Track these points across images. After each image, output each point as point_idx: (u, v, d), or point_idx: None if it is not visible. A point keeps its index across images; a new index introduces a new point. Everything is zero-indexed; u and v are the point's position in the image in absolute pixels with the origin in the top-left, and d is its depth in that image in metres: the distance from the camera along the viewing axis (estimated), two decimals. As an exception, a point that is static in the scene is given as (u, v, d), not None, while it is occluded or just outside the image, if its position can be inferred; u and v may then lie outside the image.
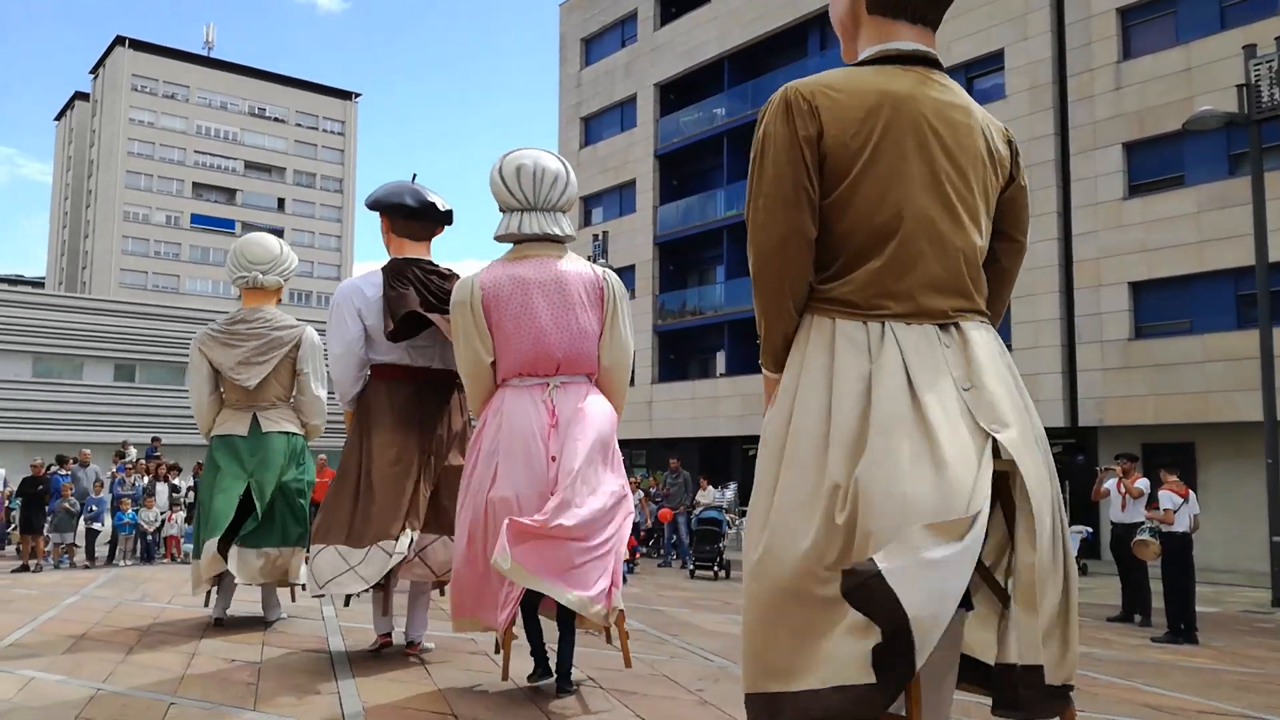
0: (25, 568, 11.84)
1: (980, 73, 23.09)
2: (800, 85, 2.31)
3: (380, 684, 4.39)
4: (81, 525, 13.19)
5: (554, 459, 4.07)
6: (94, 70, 70.20)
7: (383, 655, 5.03)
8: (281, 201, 69.01)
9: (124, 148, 63.82)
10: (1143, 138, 19.83)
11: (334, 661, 4.85)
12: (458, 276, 5.11)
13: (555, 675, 4.26)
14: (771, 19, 28.19)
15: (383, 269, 5.22)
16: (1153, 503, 9.80)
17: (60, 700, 4.07)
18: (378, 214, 5.47)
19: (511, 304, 4.20)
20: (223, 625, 5.93)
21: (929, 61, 2.41)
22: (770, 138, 2.27)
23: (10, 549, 13.71)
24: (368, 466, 4.89)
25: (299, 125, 70.79)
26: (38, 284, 73.71)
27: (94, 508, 13.09)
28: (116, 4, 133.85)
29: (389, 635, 5.15)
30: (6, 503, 13.23)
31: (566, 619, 4.16)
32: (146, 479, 13.91)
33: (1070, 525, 14.64)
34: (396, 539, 4.69)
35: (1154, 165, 19.86)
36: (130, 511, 12.97)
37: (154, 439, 16.59)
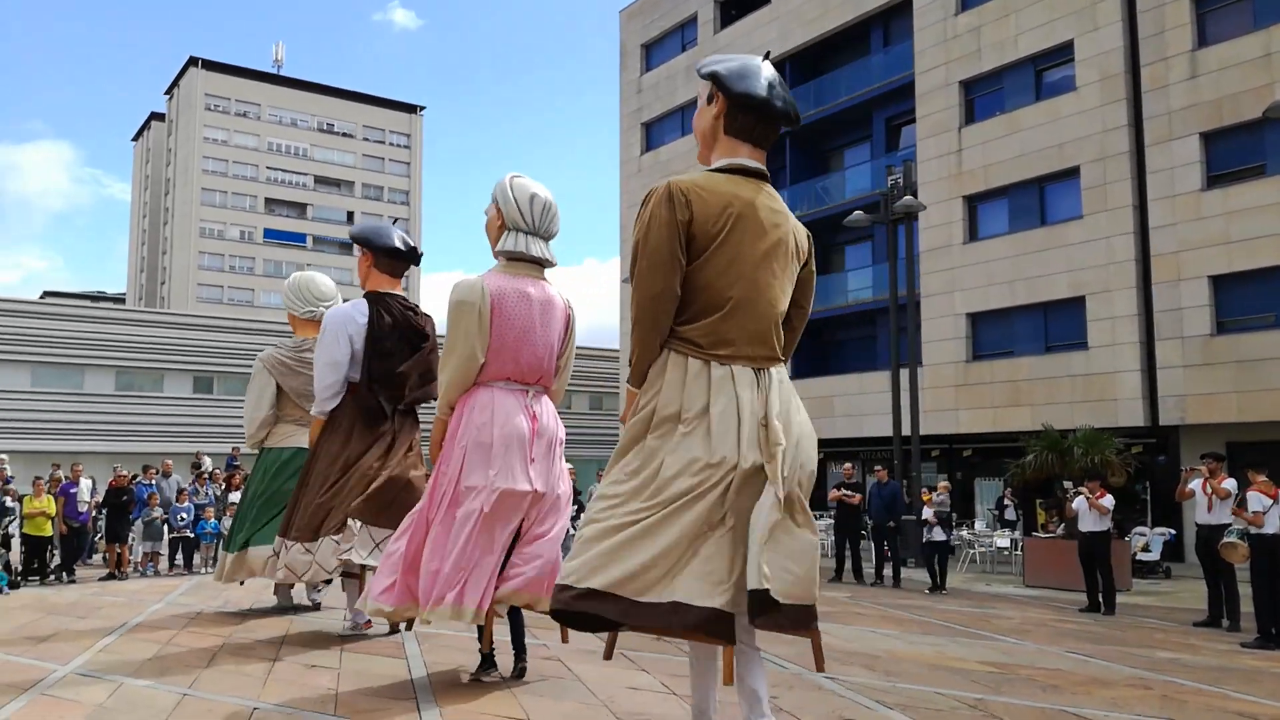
0: (112, 575, 12.21)
1: (1048, 65, 22.62)
2: (678, 182, 3.24)
3: (458, 690, 4.44)
4: (165, 534, 13.58)
5: (533, 460, 4.52)
6: (169, 91, 72.34)
7: (458, 666, 5.08)
8: (350, 215, 70.33)
9: (199, 165, 65.64)
10: (1221, 127, 19.23)
11: (410, 669, 4.91)
12: (425, 313, 6.18)
13: (515, 653, 4.71)
14: (833, 17, 27.96)
15: (369, 300, 6.10)
16: (1240, 503, 9.48)
17: (148, 705, 4.18)
18: (361, 248, 6.29)
19: (518, 316, 4.58)
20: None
21: (762, 175, 3.40)
22: (655, 217, 3.17)
23: (97, 557, 14.15)
24: (324, 468, 5.82)
25: (366, 140, 72.12)
26: (119, 300, 76.18)
27: (183, 516, 13.47)
28: (190, 25, 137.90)
29: (370, 622, 5.99)
30: (94, 512, 13.66)
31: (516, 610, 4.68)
32: (222, 488, 14.26)
33: (1153, 528, 14.39)
34: (341, 531, 5.57)
35: (1233, 155, 19.24)
36: (213, 521, 13.30)
37: (234, 449, 16.98)
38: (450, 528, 4.37)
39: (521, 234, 4.74)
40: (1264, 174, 18.70)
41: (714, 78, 3.39)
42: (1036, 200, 22.50)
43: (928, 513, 13.72)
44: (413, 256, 6.32)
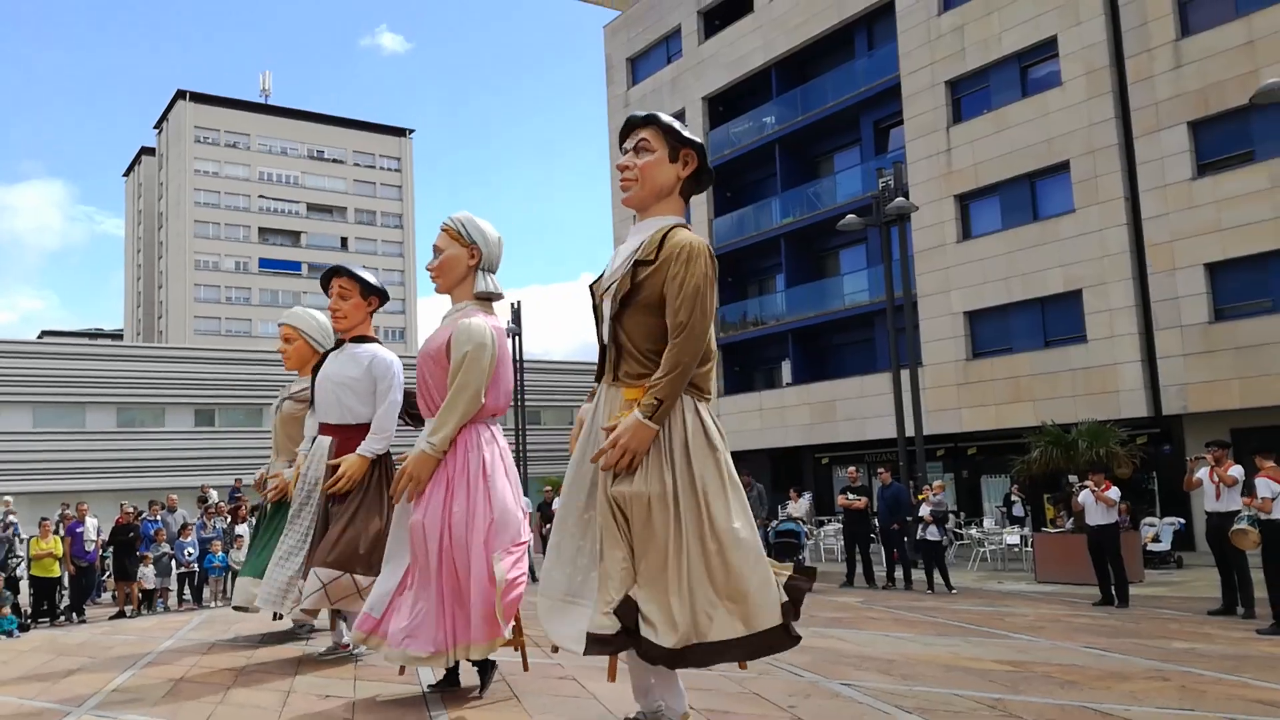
0: (122, 614, 12.18)
1: (1033, 61, 22.72)
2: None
3: (472, 712, 4.41)
4: (173, 569, 13.56)
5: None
6: (158, 125, 72.55)
7: (475, 692, 5.07)
8: (344, 240, 70.47)
9: (191, 198, 65.79)
10: (1208, 115, 19.31)
11: (426, 696, 4.88)
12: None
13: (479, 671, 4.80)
14: (816, 23, 28.09)
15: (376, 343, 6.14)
16: (1248, 490, 9.47)
17: (165, 743, 4.16)
18: (370, 296, 6.16)
19: (504, 353, 4.70)
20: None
21: None
22: (708, 277, 3.47)
23: (106, 596, 14.11)
24: (378, 502, 5.73)
25: (357, 165, 72.32)
26: (116, 336, 76.18)
27: (190, 550, 13.45)
28: (176, 59, 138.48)
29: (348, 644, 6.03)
30: (101, 551, 13.63)
31: None
32: (227, 521, 14.24)
33: (1162, 517, 14.43)
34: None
35: (1222, 142, 19.32)
36: (220, 554, 13.27)
37: (236, 480, 16.96)
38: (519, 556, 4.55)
39: (491, 274, 4.83)
40: (1253, 160, 18.77)
41: (697, 147, 3.66)
42: (1028, 196, 22.56)
43: (924, 511, 13.69)
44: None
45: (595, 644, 3.35)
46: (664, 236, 3.53)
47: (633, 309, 3.53)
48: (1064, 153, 21.58)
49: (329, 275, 6.16)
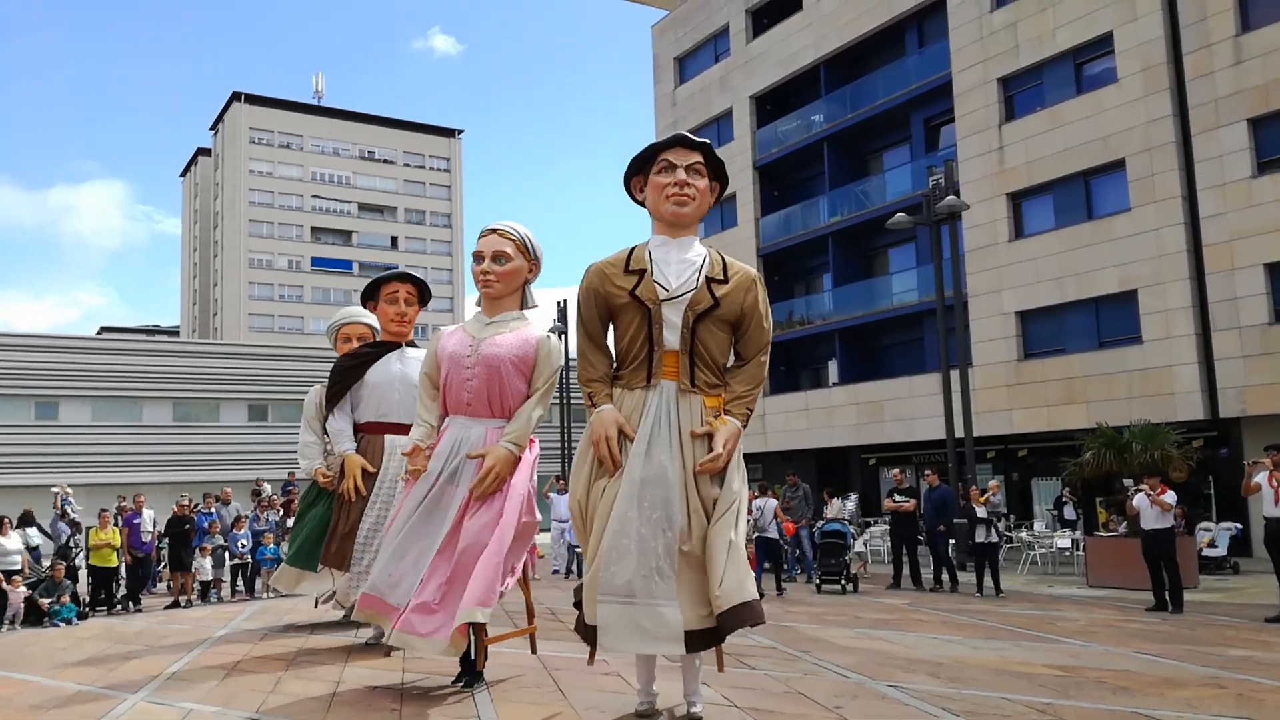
0: (176, 604, 12.44)
1: (1088, 58, 22.33)
2: None
3: (518, 709, 4.45)
4: (226, 560, 13.82)
5: None
6: (213, 126, 73.93)
7: (521, 682, 5.11)
8: (394, 240, 71.25)
9: (245, 198, 66.95)
10: (1269, 112, 18.86)
11: (473, 688, 4.93)
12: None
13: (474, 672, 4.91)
14: (866, 20, 27.85)
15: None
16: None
17: (219, 730, 4.25)
18: (420, 301, 6.29)
19: None
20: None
21: None
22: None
23: (161, 586, 14.42)
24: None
25: (407, 165, 73.07)
26: (173, 332, 77.77)
27: (243, 542, 13.70)
28: (232, 61, 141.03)
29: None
30: (157, 543, 13.93)
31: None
32: (280, 514, 14.48)
33: (1218, 522, 14.16)
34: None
35: (1284, 139, 18.84)
36: (273, 546, 13.50)
37: (290, 474, 17.23)
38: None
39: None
40: (1317, 157, 18.27)
41: (725, 183, 4.13)
42: (1082, 194, 22.18)
43: (981, 512, 13.50)
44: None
45: (698, 640, 3.66)
46: (724, 260, 3.98)
47: (709, 322, 3.82)
48: (1120, 150, 21.18)
49: (395, 278, 6.21)
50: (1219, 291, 19.44)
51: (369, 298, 6.24)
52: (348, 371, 6.13)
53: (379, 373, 6.05)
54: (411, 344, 6.29)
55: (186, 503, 13.77)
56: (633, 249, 3.98)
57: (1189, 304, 19.91)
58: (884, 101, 27.59)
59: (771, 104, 31.88)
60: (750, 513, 15.32)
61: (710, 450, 3.75)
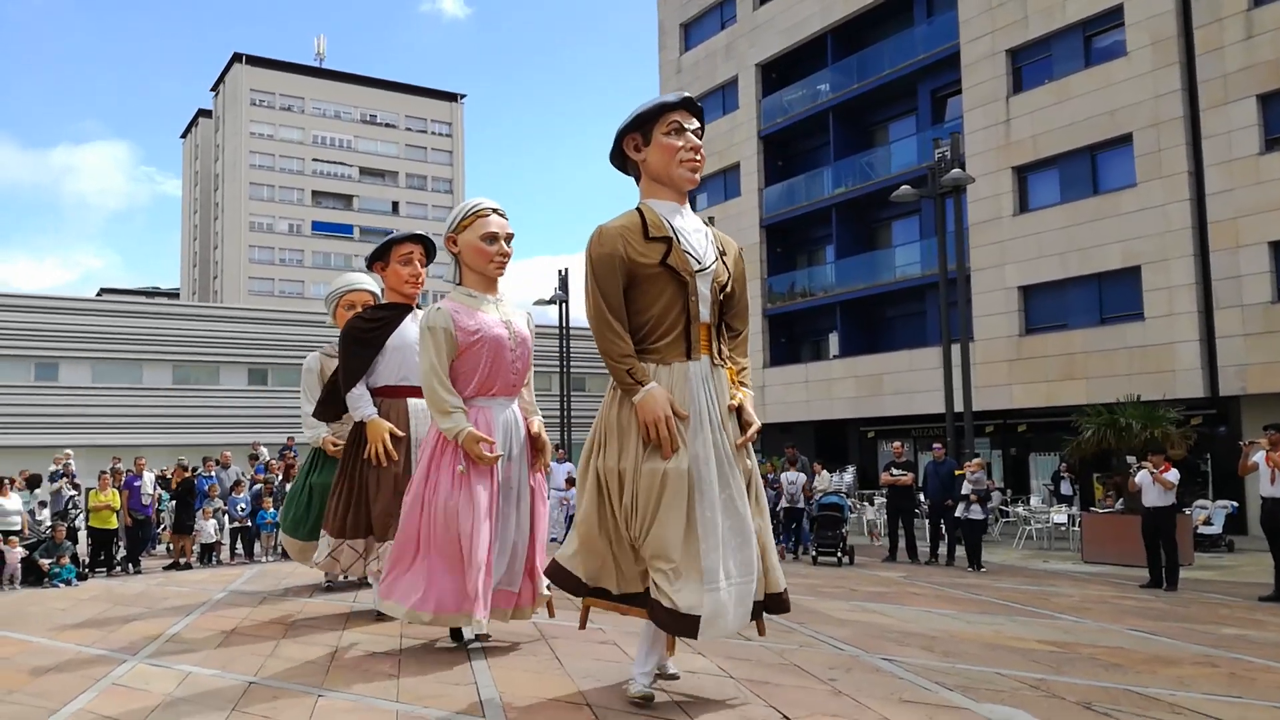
0: (176, 565, 12.51)
1: (1098, 30, 22.11)
2: None
3: (515, 675, 4.48)
4: (226, 524, 13.88)
5: None
6: (214, 87, 73.38)
7: (519, 650, 5.14)
8: (395, 205, 70.96)
9: (246, 160, 66.58)
10: (1279, 88, 18.67)
11: (470, 653, 4.96)
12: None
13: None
14: (875, -11, 27.53)
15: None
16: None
17: (216, 693, 4.28)
18: (425, 252, 6.21)
19: None
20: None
21: None
22: None
23: (160, 548, 14.49)
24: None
25: (409, 129, 72.61)
26: (173, 295, 77.66)
27: (242, 506, 13.76)
28: (234, 21, 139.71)
29: None
30: (158, 505, 13.99)
31: None
32: (280, 478, 14.51)
33: (1215, 500, 14.17)
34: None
35: (1293, 116, 18.69)
36: (272, 510, 13.55)
37: (289, 438, 17.26)
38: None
39: None
40: (1326, 134, 18.14)
41: None
42: (1088, 169, 22.04)
43: (966, 489, 13.51)
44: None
45: (778, 604, 3.88)
46: (718, 232, 4.02)
47: (724, 296, 3.87)
48: (1127, 125, 21.03)
49: (409, 239, 6.13)
50: (1223, 269, 19.38)
51: (378, 258, 6.13)
52: (369, 339, 5.89)
53: (398, 336, 5.92)
54: (418, 306, 6.20)
55: (184, 466, 13.80)
56: (640, 213, 3.80)
57: (1192, 281, 19.85)
58: (891, 72, 27.36)
59: (777, 73, 31.61)
60: (778, 485, 15.40)
61: (743, 422, 3.82)
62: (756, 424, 3.80)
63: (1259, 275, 18.83)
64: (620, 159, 3.99)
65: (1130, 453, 15.99)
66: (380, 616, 5.82)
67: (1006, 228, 23.40)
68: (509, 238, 4.89)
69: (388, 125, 71.83)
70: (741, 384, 3.88)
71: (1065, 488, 19.31)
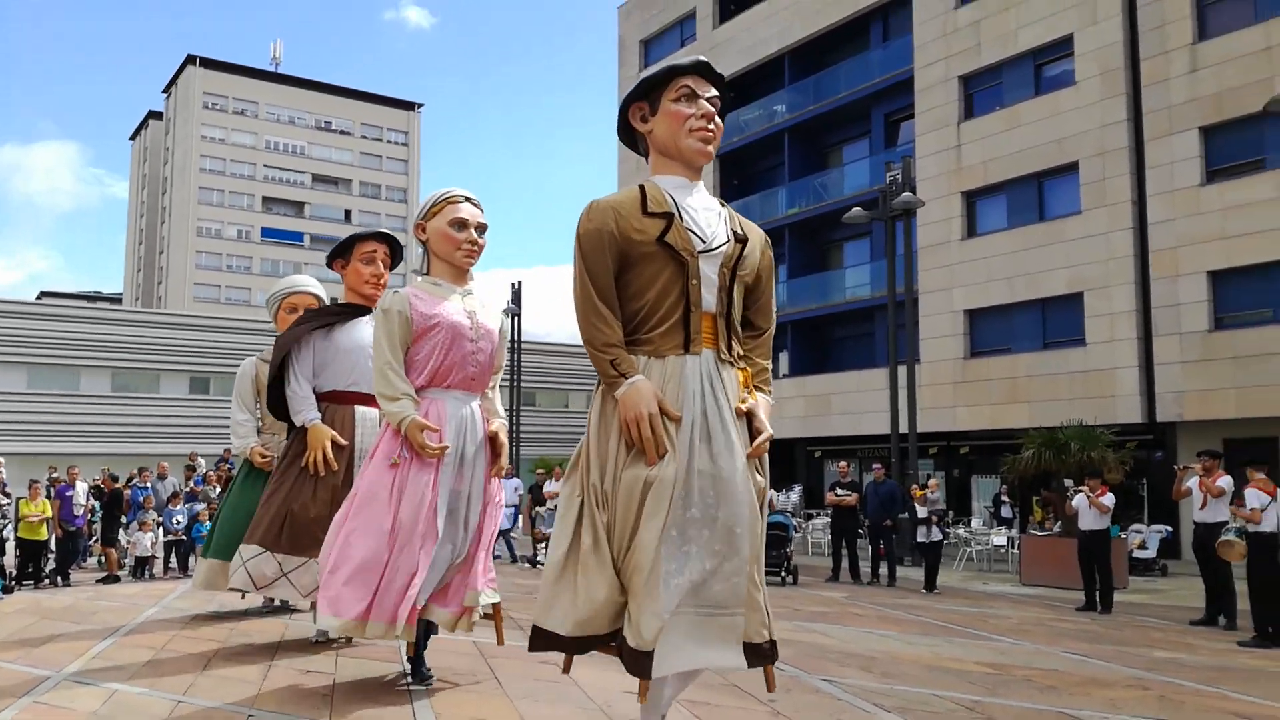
0: (109, 578, 12.20)
1: (1049, 59, 22.62)
2: None
3: (454, 696, 4.41)
4: (161, 536, 13.57)
5: None
6: (166, 89, 72.27)
7: (456, 670, 5.07)
8: (348, 213, 70.31)
9: (196, 164, 65.60)
10: (1220, 121, 19.25)
11: (409, 675, 4.87)
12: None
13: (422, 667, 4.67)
14: (832, 12, 27.95)
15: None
16: (1237, 500, 9.48)
17: (143, 713, 4.16)
18: (396, 257, 5.75)
19: None
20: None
21: None
22: None
23: (92, 561, 14.13)
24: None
25: (364, 137, 72.11)
26: (115, 300, 76.11)
27: (179, 519, 13.45)
28: (189, 23, 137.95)
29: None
30: (90, 516, 13.64)
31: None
32: (218, 490, 14.23)
33: (1150, 524, 14.44)
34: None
35: (1233, 149, 19.25)
36: (208, 523, 13.26)
37: (226, 450, 16.93)
38: None
39: None
40: (1263, 168, 18.72)
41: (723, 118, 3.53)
42: (1035, 196, 22.50)
43: (922, 512, 13.65)
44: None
45: (756, 655, 3.10)
46: (738, 216, 3.43)
47: (736, 284, 3.30)
48: (1074, 153, 21.50)
49: (372, 237, 5.64)
50: (1163, 297, 19.84)
51: (339, 255, 5.68)
52: (309, 327, 5.46)
53: (350, 337, 5.46)
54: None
55: (106, 477, 13.49)
56: (642, 188, 3.29)
57: (1133, 308, 20.30)
58: (846, 95, 27.73)
59: (735, 92, 31.83)
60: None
61: (753, 430, 3.24)
62: (768, 433, 3.24)
63: (1197, 304, 19.31)
64: (629, 133, 3.49)
65: (1067, 475, 16.26)
66: (320, 642, 5.65)
67: (955, 252, 23.77)
68: (481, 228, 4.57)
69: (343, 132, 71.26)
70: (758, 388, 3.36)
71: (1005, 510, 19.59)
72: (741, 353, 3.38)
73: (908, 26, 25.92)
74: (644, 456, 3.03)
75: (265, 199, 67.91)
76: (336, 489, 5.20)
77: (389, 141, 73.31)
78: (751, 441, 3.21)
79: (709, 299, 3.22)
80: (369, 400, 5.17)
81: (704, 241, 3.22)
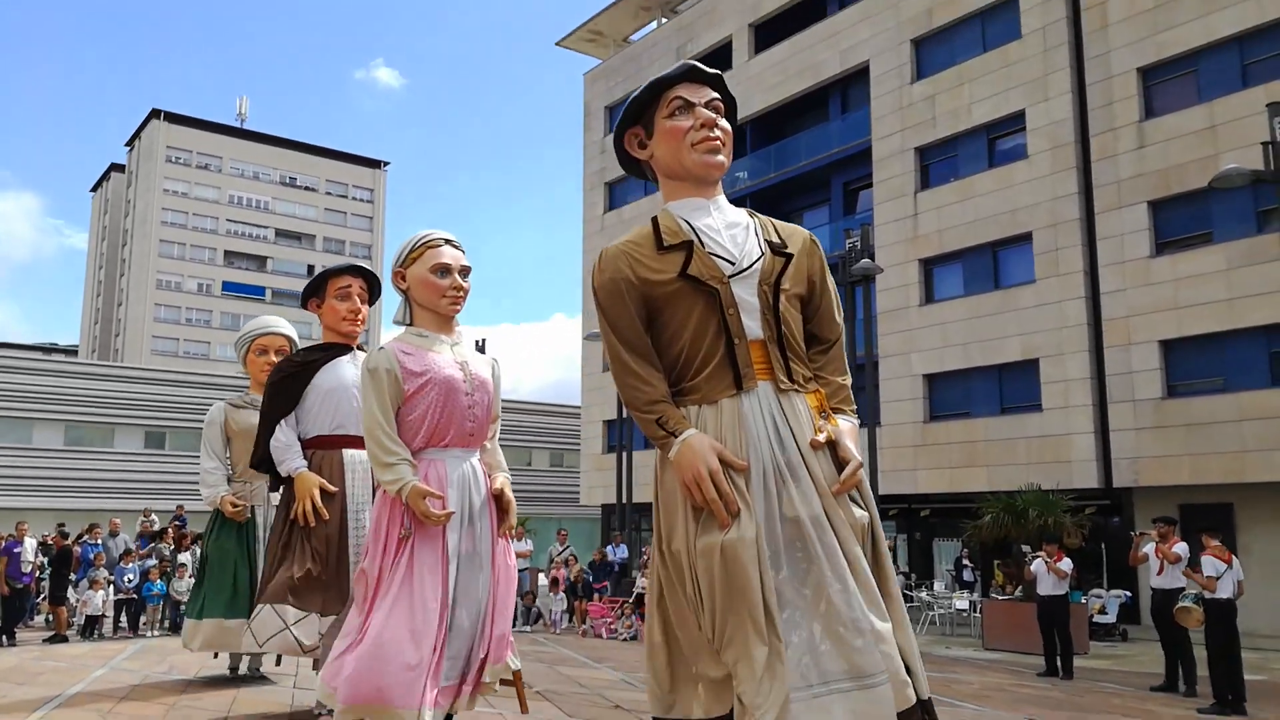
0: (58, 638, 11.84)
1: (1001, 134, 23.23)
2: None
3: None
4: (112, 595, 13.21)
5: None
6: (129, 142, 72.01)
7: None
8: (311, 268, 70.03)
9: (158, 217, 65.18)
10: (1168, 195, 19.81)
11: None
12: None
13: None
14: (792, 84, 28.59)
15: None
16: (1194, 566, 9.59)
17: (87, 782, 4.02)
18: (368, 296, 5.46)
19: None
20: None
21: None
22: None
23: (39, 619, 13.72)
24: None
25: (329, 194, 72.15)
26: (71, 351, 74.84)
27: (130, 577, 13.12)
28: (155, 78, 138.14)
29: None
30: (38, 574, 13.27)
31: None
32: (172, 547, 13.93)
33: (1109, 589, 14.54)
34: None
35: (1181, 222, 19.80)
36: (159, 582, 12.97)
37: (179, 507, 16.62)
38: None
39: None
40: (1211, 241, 19.24)
41: (735, 118, 3.22)
42: (990, 264, 22.95)
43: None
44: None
45: None
46: (773, 222, 3.09)
47: (782, 300, 2.85)
48: (1027, 224, 22.02)
49: (347, 271, 5.44)
50: (1116, 365, 20.22)
51: (313, 293, 5.46)
52: (293, 376, 5.21)
53: (331, 377, 5.20)
54: (360, 348, 5.47)
55: (55, 534, 13.18)
56: (655, 222, 3.00)
57: (1088, 375, 20.66)
58: (806, 163, 28.29)
59: (697, 158, 32.35)
60: None
61: (838, 461, 2.73)
62: (855, 460, 2.72)
63: (1150, 372, 19.69)
64: (634, 164, 3.20)
65: (1026, 541, 16.37)
66: (321, 715, 5.34)
67: (913, 317, 24.12)
68: (465, 271, 4.27)
69: (307, 189, 71.28)
70: (836, 410, 2.86)
71: (967, 574, 19.65)
72: (809, 374, 2.89)
73: (865, 99, 26.58)
74: (715, 520, 2.60)
75: (227, 253, 67.50)
76: (329, 538, 4.98)
77: (354, 199, 73.42)
78: (839, 474, 2.71)
79: (752, 326, 2.81)
80: (357, 443, 4.92)
81: (733, 263, 2.86)
